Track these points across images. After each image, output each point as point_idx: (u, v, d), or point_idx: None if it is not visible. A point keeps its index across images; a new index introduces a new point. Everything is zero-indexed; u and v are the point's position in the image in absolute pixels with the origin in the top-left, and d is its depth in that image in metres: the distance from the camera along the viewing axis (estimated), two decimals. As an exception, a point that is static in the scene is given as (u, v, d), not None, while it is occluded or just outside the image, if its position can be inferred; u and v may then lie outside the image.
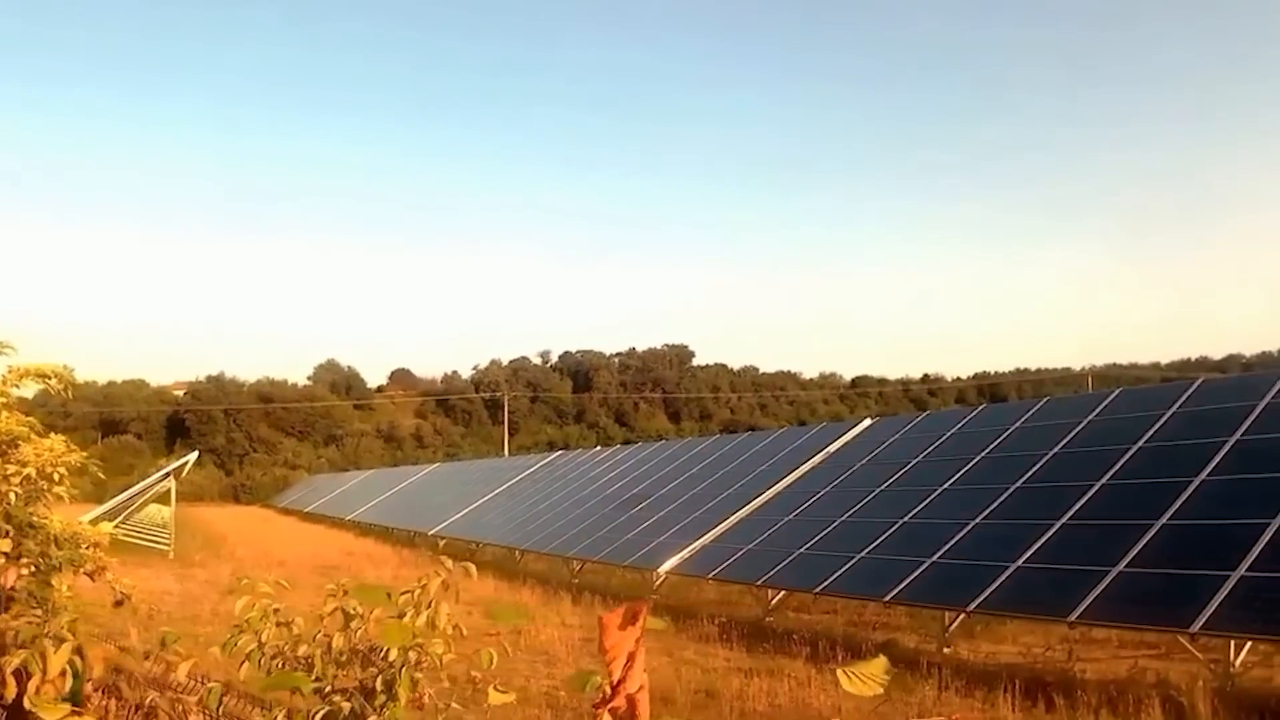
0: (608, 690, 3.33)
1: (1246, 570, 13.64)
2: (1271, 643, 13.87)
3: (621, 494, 33.75)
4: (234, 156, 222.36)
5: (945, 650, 17.41)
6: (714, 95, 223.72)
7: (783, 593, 21.74)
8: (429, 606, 5.04)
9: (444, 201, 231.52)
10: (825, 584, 19.43)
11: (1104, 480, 18.11)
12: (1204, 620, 13.07)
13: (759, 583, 21.46)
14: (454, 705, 5.35)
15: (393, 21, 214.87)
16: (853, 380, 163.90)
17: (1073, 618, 14.63)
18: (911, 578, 17.92)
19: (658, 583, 25.30)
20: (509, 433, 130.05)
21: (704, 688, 15.06)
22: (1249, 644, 14.19)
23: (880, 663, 3.34)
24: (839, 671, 3.39)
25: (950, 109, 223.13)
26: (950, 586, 17.26)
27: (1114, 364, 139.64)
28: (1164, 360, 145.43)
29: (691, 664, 16.93)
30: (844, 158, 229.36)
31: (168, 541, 40.19)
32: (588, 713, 14.08)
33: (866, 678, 3.28)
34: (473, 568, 5.33)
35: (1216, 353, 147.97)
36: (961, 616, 17.54)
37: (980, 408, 27.22)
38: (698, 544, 24.83)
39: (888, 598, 17.96)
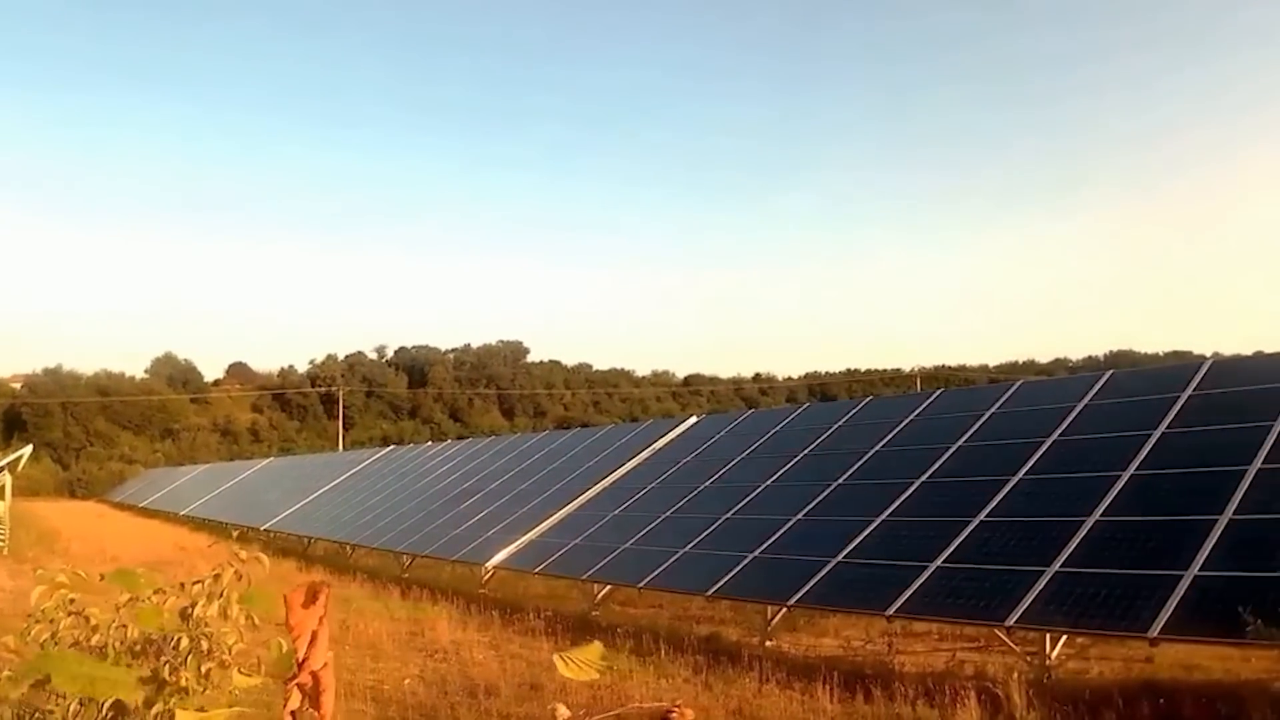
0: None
1: (1061, 566, 13.76)
2: (1085, 635, 13.89)
3: (453, 489, 33.36)
4: (69, 146, 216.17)
5: (768, 643, 17.30)
6: (555, 90, 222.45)
7: (609, 587, 21.50)
8: (220, 596, 4.94)
9: (282, 195, 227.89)
10: (650, 578, 19.31)
11: (924, 478, 18.24)
12: (1019, 614, 13.15)
13: (585, 577, 21.26)
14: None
15: (227, 9, 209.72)
16: (685, 378, 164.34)
17: (891, 611, 14.67)
18: (734, 572, 17.84)
19: (486, 577, 24.97)
20: (344, 428, 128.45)
21: (529, 680, 14.85)
22: (1064, 637, 14.27)
23: (595, 648, 3.39)
24: (555, 657, 3.33)
25: (778, 102, 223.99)
26: (772, 581, 17.16)
27: (943, 365, 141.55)
28: (992, 363, 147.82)
29: (517, 657, 16.76)
30: (683, 156, 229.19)
31: (2, 537, 38.96)
32: (412, 705, 13.83)
33: (583, 663, 3.20)
34: (265, 559, 5.33)
35: (1044, 356, 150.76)
36: (783, 610, 17.37)
37: (804, 406, 27.34)
38: (526, 538, 24.59)
39: (710, 592, 17.83)
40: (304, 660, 3.21)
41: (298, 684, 3.21)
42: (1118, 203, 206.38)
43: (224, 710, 4.19)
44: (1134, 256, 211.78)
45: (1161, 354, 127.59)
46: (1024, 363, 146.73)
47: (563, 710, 3.19)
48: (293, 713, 3.27)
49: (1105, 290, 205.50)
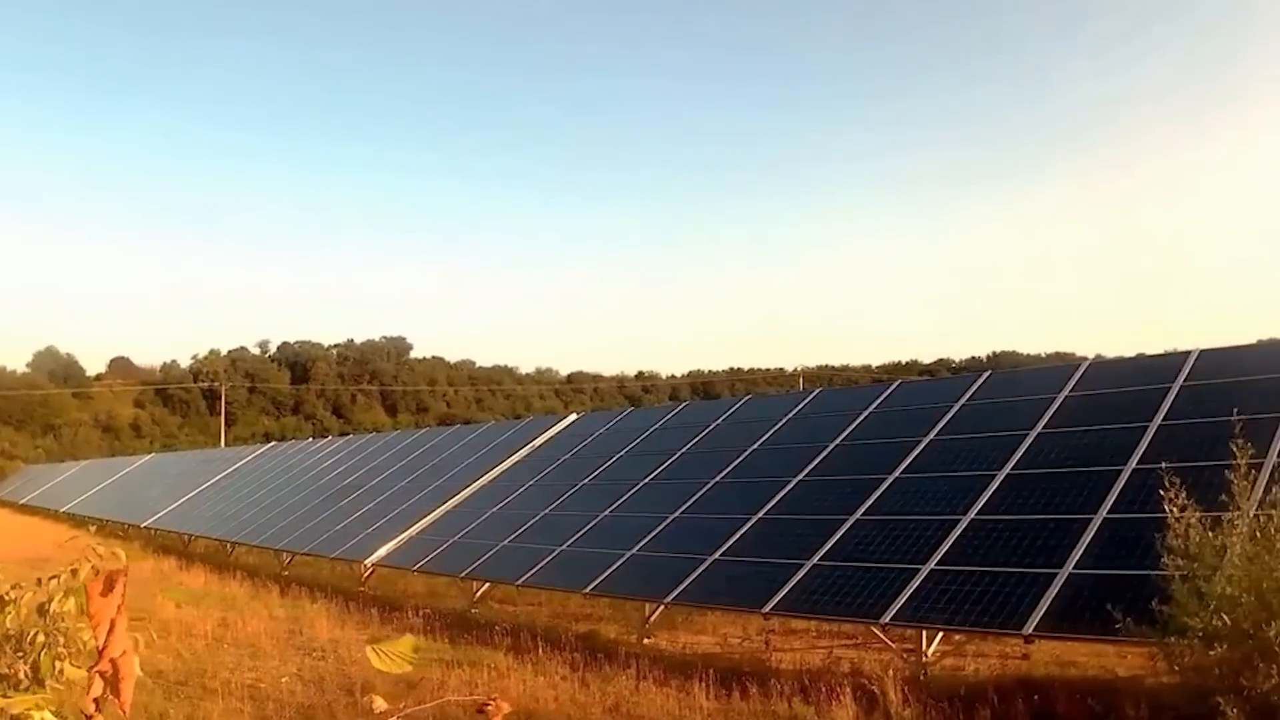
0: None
1: (937, 564, 13.73)
2: (961, 633, 13.91)
3: (333, 486, 32.82)
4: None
5: (646, 641, 17.19)
6: (440, 88, 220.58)
7: (487, 584, 21.24)
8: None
9: (165, 187, 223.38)
10: (528, 576, 19.12)
11: (802, 476, 18.13)
12: (895, 612, 13.12)
13: (463, 575, 20.97)
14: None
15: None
16: (568, 376, 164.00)
17: (767, 609, 14.60)
18: (612, 569, 17.69)
19: (366, 575, 24.58)
20: (226, 424, 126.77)
21: (404, 679, 14.36)
22: (941, 634, 14.25)
23: (408, 641, 3.21)
24: (368, 650, 3.17)
25: (671, 107, 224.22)
26: (650, 579, 17.05)
27: (826, 365, 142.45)
28: (875, 363, 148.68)
29: None
30: (569, 153, 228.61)
31: (-127, 535, 37.95)
32: (289, 703, 13.48)
33: (395, 656, 3.11)
34: (121, 553, 4.98)
35: (927, 357, 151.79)
36: (661, 608, 17.29)
37: (683, 404, 27.23)
38: (405, 535, 24.25)
39: (588, 589, 17.65)
40: (104, 648, 3.09)
41: (99, 671, 3.08)
42: (1008, 203, 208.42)
43: (29, 697, 3.95)
44: (1021, 257, 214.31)
45: (1044, 355, 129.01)
46: (907, 363, 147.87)
47: (379, 702, 3.00)
48: (96, 700, 3.11)
49: (989, 292, 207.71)
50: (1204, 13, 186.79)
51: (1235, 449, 8.90)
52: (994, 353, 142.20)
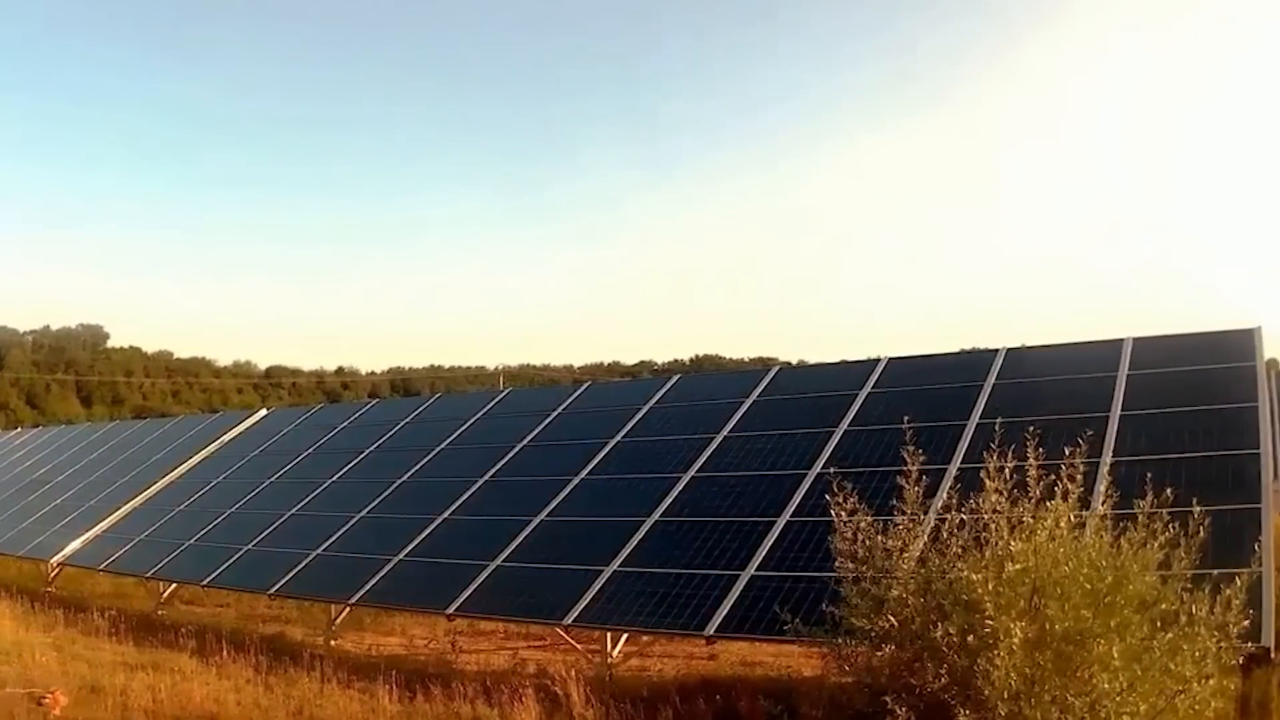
0: None
1: (621, 565, 13.66)
2: (644, 634, 13.81)
3: (22, 480, 31.08)
4: None
5: (333, 643, 16.77)
6: (141, 76, 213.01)
7: (174, 585, 20.45)
8: None
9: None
10: (213, 576, 18.51)
11: (488, 476, 17.90)
12: (578, 613, 13.04)
13: (150, 575, 20.18)
14: None
15: None
16: (267, 370, 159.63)
17: (451, 610, 14.36)
18: (297, 570, 17.20)
19: (53, 574, 23.32)
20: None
21: (90, 683, 13.86)
22: (626, 636, 14.16)
23: None
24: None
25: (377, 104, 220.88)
26: (335, 579, 16.60)
27: (528, 364, 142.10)
28: (577, 363, 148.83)
29: (80, 658, 15.70)
30: (279, 146, 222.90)
31: None
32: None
33: None
34: None
35: (629, 358, 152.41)
36: (346, 609, 16.90)
37: (374, 402, 26.88)
38: (93, 533, 23.17)
39: (272, 590, 17.15)
40: None
41: None
42: (714, 205, 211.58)
43: None
44: (724, 261, 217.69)
45: (747, 359, 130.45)
46: (609, 364, 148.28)
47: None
48: None
49: (697, 295, 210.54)
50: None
51: (907, 455, 8.93)
52: (697, 355, 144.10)
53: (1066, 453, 8.24)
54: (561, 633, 14.26)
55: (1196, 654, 7.39)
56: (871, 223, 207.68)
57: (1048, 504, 7.89)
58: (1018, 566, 7.57)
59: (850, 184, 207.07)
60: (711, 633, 11.80)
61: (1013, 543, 7.66)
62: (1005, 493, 8.14)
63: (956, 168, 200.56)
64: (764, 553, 12.73)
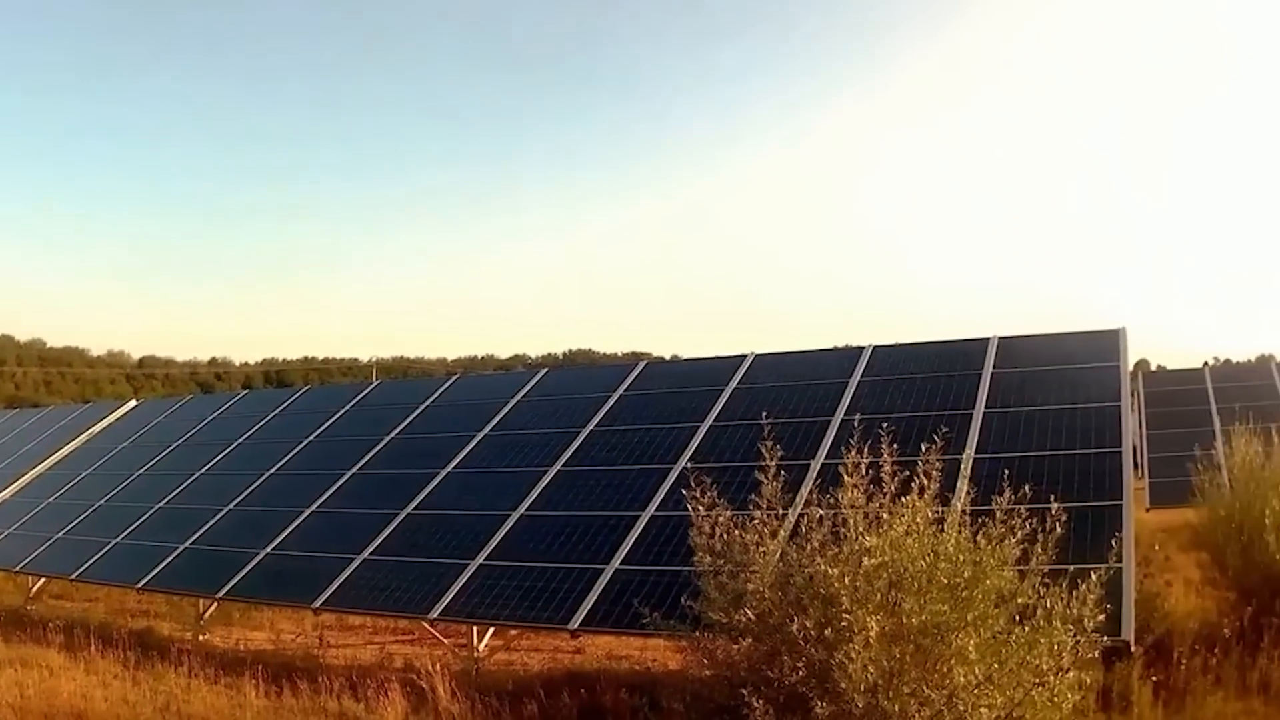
0: None
1: (486, 559, 13.52)
2: (510, 628, 13.81)
3: (-112, 472, 30.13)
4: None
5: (201, 638, 16.47)
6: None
7: (43, 579, 20.06)
8: None
9: None
10: (82, 570, 18.00)
11: (356, 469, 17.63)
12: (443, 607, 12.90)
13: (18, 569, 19.68)
14: None
15: None
16: (140, 360, 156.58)
17: (318, 604, 14.10)
18: (166, 563, 16.77)
19: (-81, 571, 22.56)
20: None
21: (-48, 682, 13.42)
22: (492, 629, 14.13)
23: None
24: None
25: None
26: (204, 572, 16.21)
27: (401, 357, 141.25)
28: (451, 356, 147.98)
29: None
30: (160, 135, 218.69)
31: None
32: None
33: None
34: None
35: (504, 352, 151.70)
36: (214, 604, 16.59)
37: (243, 394, 26.49)
38: (-40, 528, 22.34)
39: (141, 584, 16.68)
40: None
41: None
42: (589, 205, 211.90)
43: None
44: (605, 258, 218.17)
45: (619, 354, 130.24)
46: (483, 357, 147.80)
47: None
48: None
49: (567, 290, 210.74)
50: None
51: (765, 450, 8.88)
52: (570, 350, 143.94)
53: (923, 449, 8.22)
54: (428, 627, 14.07)
55: (1054, 647, 7.41)
56: (748, 223, 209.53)
57: (902, 499, 7.87)
58: (875, 561, 7.54)
59: (725, 190, 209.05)
60: (576, 627, 11.76)
61: (868, 538, 7.63)
62: (864, 488, 8.10)
63: (825, 167, 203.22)
64: (628, 547, 12.70)
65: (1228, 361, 66.56)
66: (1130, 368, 14.92)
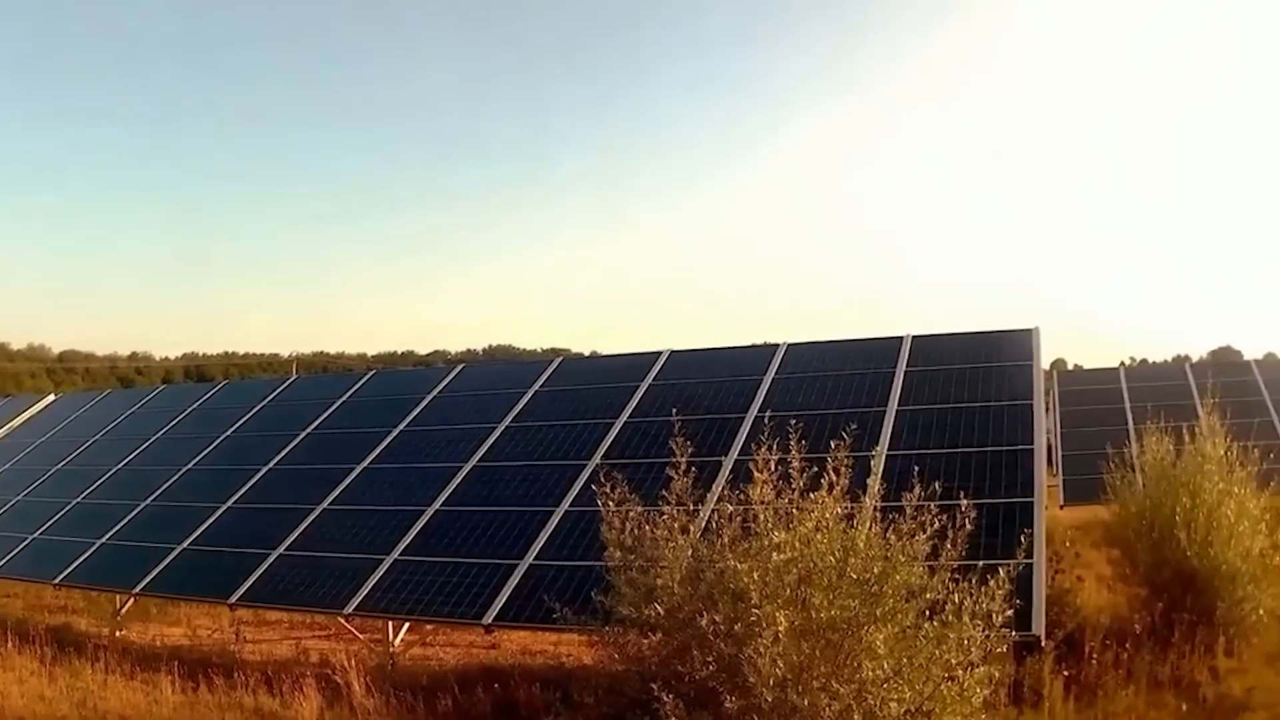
0: None
1: (402, 554, 13.48)
2: (426, 622, 13.78)
3: None
4: None
5: (119, 633, 16.34)
6: None
7: (-38, 577, 19.57)
8: None
9: None
10: (-1, 566, 17.77)
11: (273, 464, 17.47)
12: (358, 602, 12.87)
13: (-67, 567, 19.20)
14: None
15: None
16: (60, 354, 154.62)
17: (234, 600, 13.98)
18: (84, 558, 16.55)
19: None
20: None
21: None
22: (408, 625, 14.12)
23: None
24: None
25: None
26: (122, 568, 15.97)
27: (322, 351, 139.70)
28: (372, 351, 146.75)
29: None
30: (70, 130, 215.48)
31: None
32: None
33: None
34: None
35: (424, 348, 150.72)
36: (131, 600, 16.44)
37: (161, 388, 26.08)
38: (-125, 527, 21.94)
39: (57, 580, 16.50)
40: None
41: None
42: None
43: None
44: (529, 255, 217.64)
45: (540, 350, 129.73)
46: (403, 353, 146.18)
47: None
48: None
49: (492, 286, 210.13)
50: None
51: (676, 446, 8.85)
52: (490, 345, 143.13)
53: (833, 445, 8.20)
54: (344, 622, 14.00)
55: (963, 642, 7.42)
56: (664, 216, 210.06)
57: (812, 496, 7.86)
58: (784, 557, 7.54)
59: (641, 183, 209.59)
60: (490, 621, 11.75)
61: (778, 533, 7.62)
62: (774, 485, 8.08)
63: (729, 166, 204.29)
64: (543, 542, 12.70)
65: (1144, 361, 67.39)
66: (1046, 367, 15.03)
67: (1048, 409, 29.95)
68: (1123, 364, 42.37)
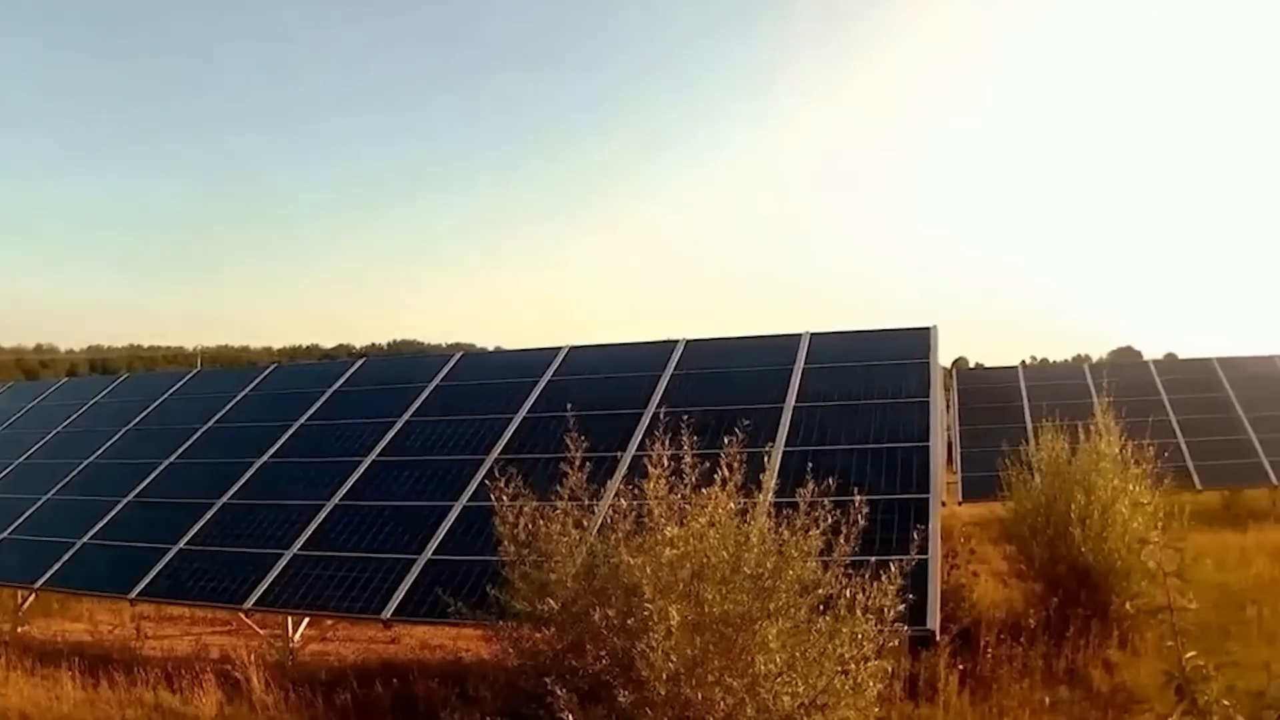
0: None
1: (301, 549, 13.38)
2: (325, 617, 13.71)
3: None
4: None
5: (20, 629, 15.93)
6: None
7: None
8: None
9: None
10: (-108, 566, 17.33)
11: (172, 459, 17.22)
12: (257, 597, 12.73)
13: None
14: None
15: None
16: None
17: (134, 595, 13.79)
18: (-17, 555, 16.27)
19: None
20: None
21: None
22: (307, 620, 13.94)
23: None
24: None
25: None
26: (21, 564, 15.70)
27: (227, 345, 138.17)
28: (277, 345, 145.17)
29: None
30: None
31: None
32: None
33: None
34: None
35: (329, 342, 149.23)
36: (33, 595, 16.08)
37: (64, 381, 25.66)
38: None
39: (-46, 577, 16.18)
40: None
41: None
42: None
43: None
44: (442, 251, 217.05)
45: (444, 345, 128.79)
46: (308, 347, 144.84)
47: None
48: None
49: (401, 282, 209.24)
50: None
51: (570, 442, 8.82)
52: (395, 340, 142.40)
53: (726, 441, 8.20)
54: (244, 618, 13.96)
55: (856, 636, 7.44)
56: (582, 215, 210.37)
57: (705, 491, 7.85)
58: (677, 551, 7.53)
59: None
60: (389, 616, 11.71)
61: (669, 528, 7.63)
62: (668, 480, 8.05)
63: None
64: (441, 537, 12.67)
65: (1045, 361, 68.24)
66: (946, 365, 15.15)
67: (948, 407, 30.22)
68: (1022, 363, 42.83)
